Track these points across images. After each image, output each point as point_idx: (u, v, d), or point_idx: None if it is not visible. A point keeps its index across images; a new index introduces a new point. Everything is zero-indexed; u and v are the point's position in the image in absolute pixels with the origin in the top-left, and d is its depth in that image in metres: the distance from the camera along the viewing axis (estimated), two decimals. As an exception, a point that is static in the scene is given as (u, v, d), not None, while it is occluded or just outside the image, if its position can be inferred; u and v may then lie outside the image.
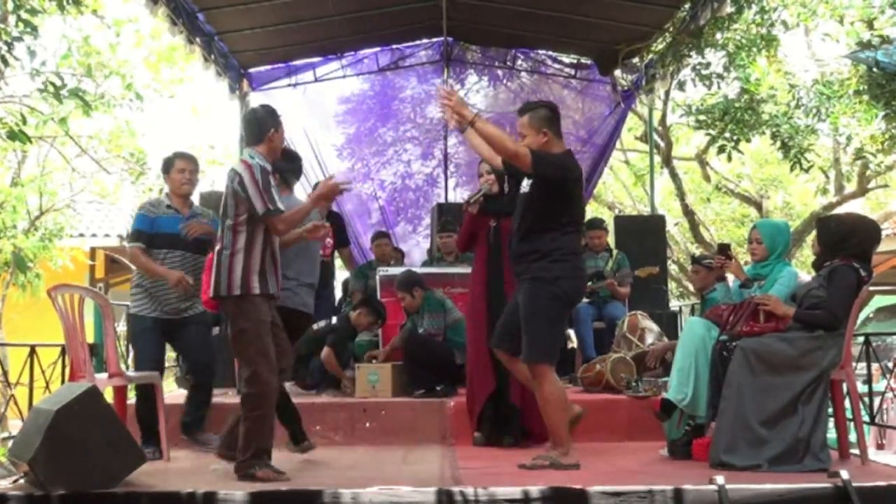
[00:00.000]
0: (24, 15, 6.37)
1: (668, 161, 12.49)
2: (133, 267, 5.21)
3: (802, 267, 12.52)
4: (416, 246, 9.87)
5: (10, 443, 4.53)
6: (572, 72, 9.71)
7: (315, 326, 6.07)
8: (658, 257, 8.00)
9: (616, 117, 9.62)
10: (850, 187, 12.22)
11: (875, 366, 6.04)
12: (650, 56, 8.83)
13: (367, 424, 5.38)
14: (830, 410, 4.39)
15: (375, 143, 10.17)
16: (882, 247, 5.06)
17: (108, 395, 4.28)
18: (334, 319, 6.56)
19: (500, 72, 10.04)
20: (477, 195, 5.08)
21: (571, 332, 6.81)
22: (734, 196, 14.81)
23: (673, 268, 14.01)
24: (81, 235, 12.74)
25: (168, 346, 5.24)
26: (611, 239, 7.77)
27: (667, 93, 11.04)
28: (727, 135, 8.81)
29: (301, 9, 8.05)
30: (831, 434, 4.37)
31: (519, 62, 9.90)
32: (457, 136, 9.34)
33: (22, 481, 3.74)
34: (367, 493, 3.30)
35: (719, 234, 15.78)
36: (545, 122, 4.28)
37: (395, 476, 3.85)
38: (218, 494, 3.33)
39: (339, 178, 4.32)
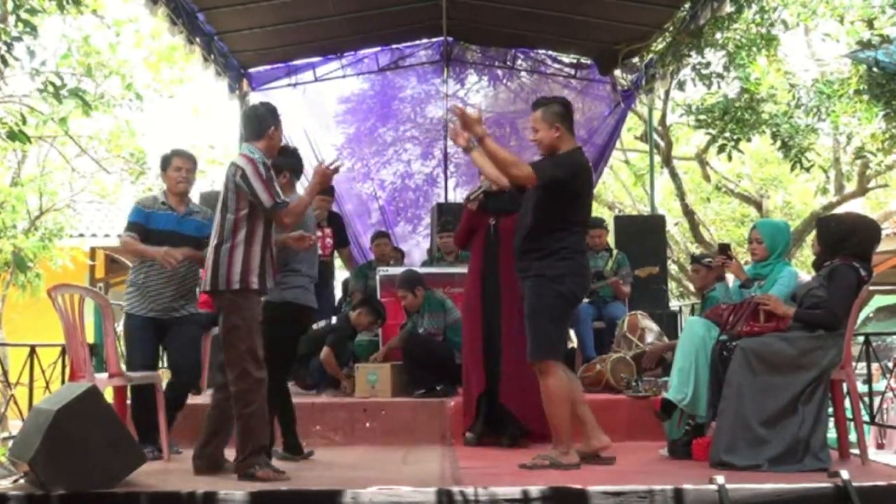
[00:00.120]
0: (24, 15, 6.37)
1: (667, 161, 12.48)
2: (131, 265, 5.20)
3: (802, 267, 12.50)
4: (416, 246, 9.87)
5: (10, 443, 4.53)
6: (572, 71, 9.70)
7: (315, 326, 6.06)
8: (658, 257, 7.99)
9: (616, 117, 9.62)
10: (851, 187, 12.21)
11: (875, 365, 6.04)
12: (650, 56, 8.83)
13: (367, 424, 5.38)
14: (830, 410, 4.39)
15: (375, 143, 10.17)
16: (882, 247, 5.06)
17: (108, 395, 4.27)
18: (334, 319, 6.56)
19: (500, 72, 10.03)
20: (477, 191, 5.06)
21: (571, 332, 6.81)
22: (734, 196, 14.79)
23: (673, 268, 14.00)
24: (81, 235, 12.74)
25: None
26: (611, 239, 7.77)
27: (667, 92, 11.02)
28: (727, 134, 8.81)
29: (301, 9, 8.05)
30: (831, 434, 4.36)
31: (519, 62, 9.89)
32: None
33: (22, 481, 3.74)
34: (367, 493, 3.29)
35: (719, 233, 15.76)
36: (558, 117, 4.28)
37: (395, 476, 3.85)
38: (218, 494, 3.33)
39: (335, 172, 4.24)
